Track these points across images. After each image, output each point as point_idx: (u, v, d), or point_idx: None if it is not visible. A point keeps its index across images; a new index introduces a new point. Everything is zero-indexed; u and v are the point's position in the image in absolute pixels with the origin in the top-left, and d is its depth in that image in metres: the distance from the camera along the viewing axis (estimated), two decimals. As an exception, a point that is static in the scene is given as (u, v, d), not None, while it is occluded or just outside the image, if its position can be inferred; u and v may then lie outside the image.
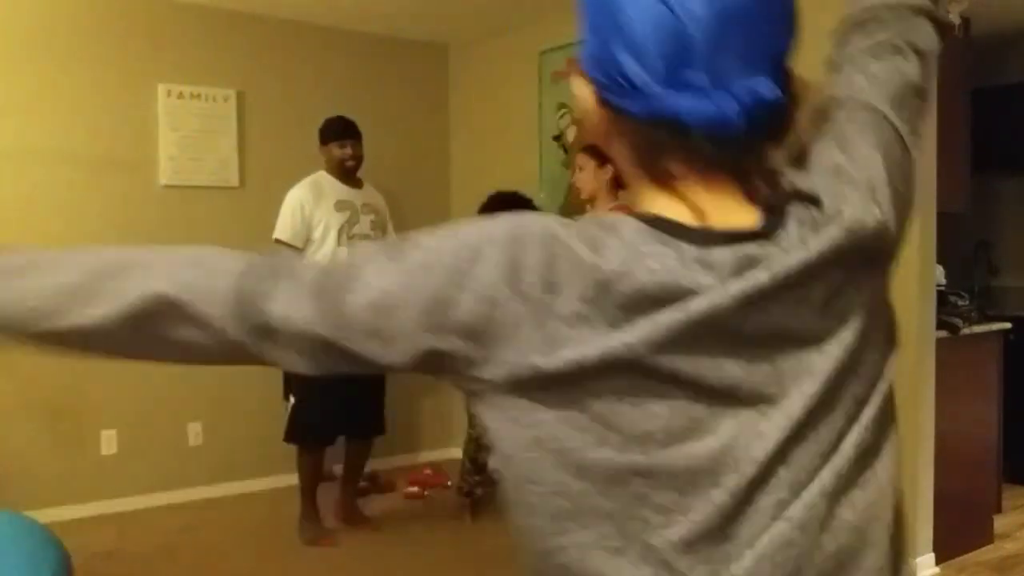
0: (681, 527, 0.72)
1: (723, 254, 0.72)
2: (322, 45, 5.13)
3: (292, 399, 4.03)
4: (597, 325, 0.70)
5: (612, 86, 0.76)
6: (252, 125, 4.88)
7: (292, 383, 4.05)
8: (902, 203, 0.81)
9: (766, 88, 0.73)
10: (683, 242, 0.72)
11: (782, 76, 0.75)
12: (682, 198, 0.75)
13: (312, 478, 4.07)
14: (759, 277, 0.71)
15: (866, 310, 0.80)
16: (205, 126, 4.70)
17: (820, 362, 0.75)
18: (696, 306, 0.70)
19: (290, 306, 0.75)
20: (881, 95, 0.85)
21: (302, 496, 4.07)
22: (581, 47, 0.80)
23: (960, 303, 4.07)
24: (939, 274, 3.82)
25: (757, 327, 0.72)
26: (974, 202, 4.30)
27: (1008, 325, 4.14)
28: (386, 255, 0.76)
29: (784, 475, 0.73)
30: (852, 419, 0.76)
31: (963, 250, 5.16)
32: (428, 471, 5.07)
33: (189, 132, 4.66)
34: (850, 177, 0.78)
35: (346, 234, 4.00)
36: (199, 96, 4.69)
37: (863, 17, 0.89)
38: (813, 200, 0.76)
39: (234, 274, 0.77)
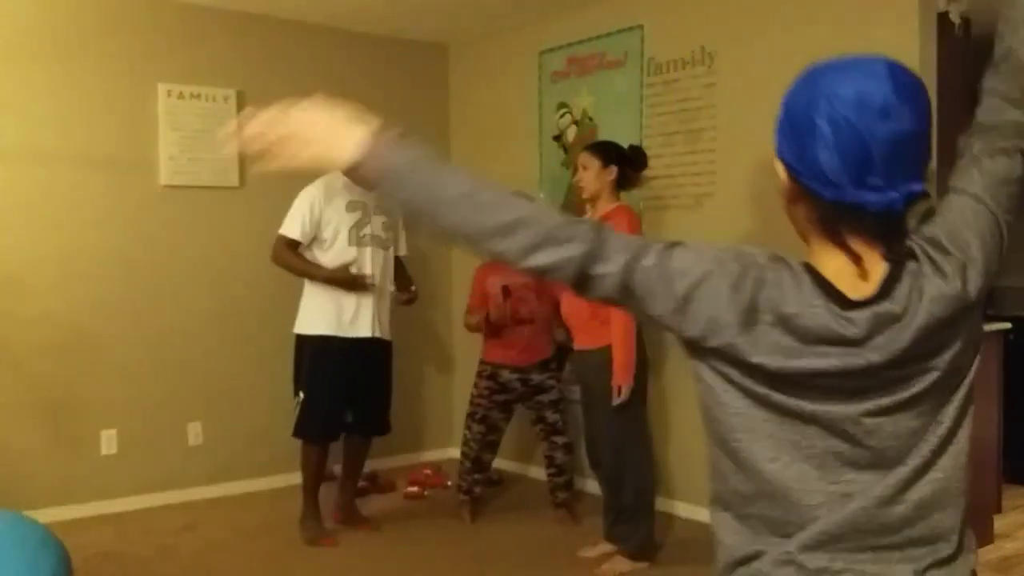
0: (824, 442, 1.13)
1: (861, 314, 1.09)
2: (322, 45, 5.13)
3: (301, 395, 4.04)
4: (782, 342, 1.10)
5: (808, 175, 1.12)
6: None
7: (301, 379, 4.07)
8: (988, 274, 1.16)
9: (918, 186, 1.10)
10: (832, 302, 1.10)
11: (925, 172, 1.14)
12: (847, 251, 1.12)
13: (316, 475, 4.09)
14: (896, 335, 1.10)
15: (959, 338, 1.14)
16: (205, 126, 4.70)
17: (937, 364, 1.13)
18: (845, 351, 1.10)
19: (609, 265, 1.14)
20: (987, 187, 1.22)
21: (304, 494, 4.07)
22: (777, 137, 1.18)
23: (960, 303, 4.07)
24: (939, 274, 3.82)
25: (888, 360, 1.10)
26: (974, 202, 4.30)
27: (1008, 325, 4.14)
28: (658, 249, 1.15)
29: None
30: (943, 405, 1.15)
31: (963, 250, 5.16)
32: (428, 471, 5.07)
33: (189, 132, 4.66)
34: (950, 254, 1.14)
35: (356, 234, 4.01)
36: (199, 96, 4.69)
37: (988, 125, 1.27)
38: (929, 260, 1.13)
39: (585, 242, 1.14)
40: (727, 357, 1.12)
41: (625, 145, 3.85)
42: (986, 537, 3.93)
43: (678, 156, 4.30)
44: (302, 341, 4.07)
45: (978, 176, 1.24)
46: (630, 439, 3.60)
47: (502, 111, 5.32)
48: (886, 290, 1.10)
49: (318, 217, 3.97)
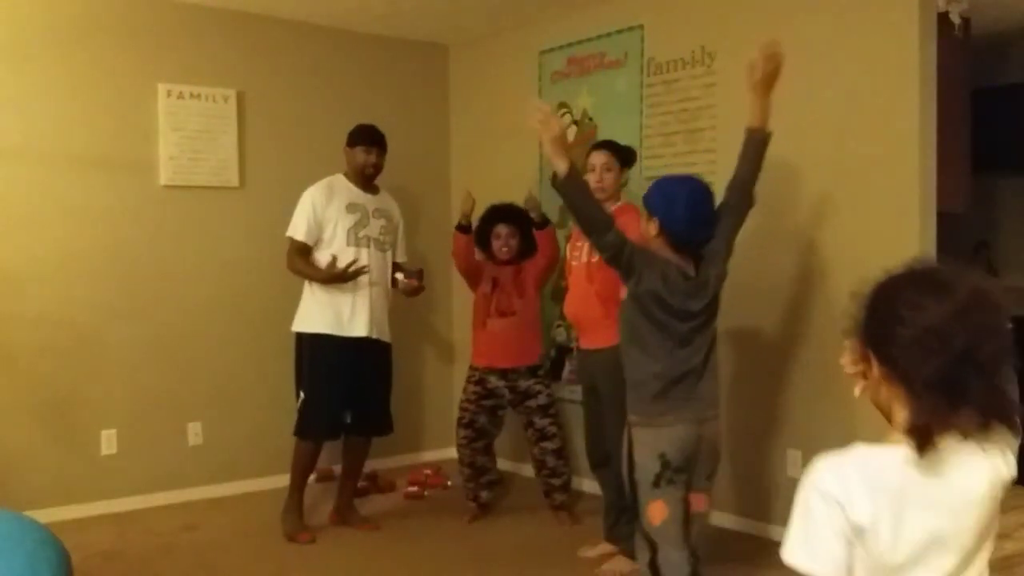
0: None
1: (690, 283, 2.84)
2: (322, 45, 5.13)
3: (302, 394, 4.05)
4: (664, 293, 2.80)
5: (668, 224, 2.83)
6: (252, 125, 4.88)
7: (302, 379, 4.08)
8: (721, 270, 2.94)
9: (710, 232, 2.94)
10: (682, 277, 2.83)
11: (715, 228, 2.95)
12: (685, 256, 2.86)
13: (305, 471, 4.12)
14: (701, 293, 2.88)
15: (714, 298, 2.88)
16: (205, 126, 4.70)
17: (709, 311, 2.91)
18: (684, 299, 2.84)
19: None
20: (726, 228, 2.98)
21: (290, 488, 4.10)
22: (653, 204, 2.88)
23: (960, 303, 4.07)
24: (939, 274, 3.81)
25: (699, 307, 2.87)
26: (974, 202, 4.30)
27: (1008, 325, 4.13)
28: None
29: None
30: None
31: (962, 250, 5.16)
32: (428, 471, 5.06)
33: (189, 132, 4.66)
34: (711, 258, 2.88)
35: (355, 235, 4.05)
36: (199, 96, 4.69)
37: (725, 205, 3.07)
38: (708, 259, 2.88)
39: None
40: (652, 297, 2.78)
41: (623, 144, 3.87)
42: (986, 537, 3.93)
43: (678, 156, 4.30)
44: (300, 340, 4.09)
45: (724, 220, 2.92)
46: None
47: (502, 111, 5.32)
48: (699, 273, 2.81)
49: (320, 217, 4.02)
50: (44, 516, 3.73)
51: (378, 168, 4.17)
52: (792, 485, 4.07)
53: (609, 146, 3.76)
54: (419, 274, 4.18)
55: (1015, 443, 1.30)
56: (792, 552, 1.29)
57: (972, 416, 1.21)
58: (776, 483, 3.97)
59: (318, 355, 4.01)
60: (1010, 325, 1.28)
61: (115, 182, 4.48)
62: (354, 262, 3.97)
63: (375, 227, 4.13)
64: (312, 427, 4.05)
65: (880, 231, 3.57)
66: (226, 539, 4.07)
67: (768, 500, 4.00)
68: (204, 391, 4.73)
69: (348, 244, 4.04)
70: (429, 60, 5.59)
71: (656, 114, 4.40)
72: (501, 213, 4.35)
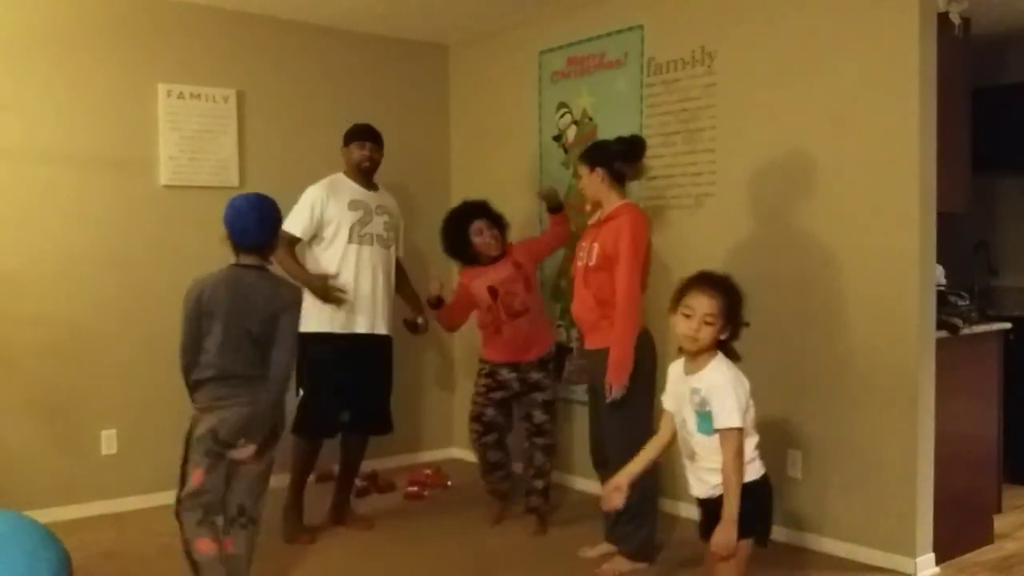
0: None
1: None
2: (322, 45, 5.13)
3: (301, 392, 4.05)
4: None
5: (231, 231, 3.18)
6: (252, 125, 4.88)
7: (302, 377, 4.08)
8: None
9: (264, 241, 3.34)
10: None
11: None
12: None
13: (304, 470, 4.12)
14: None
15: None
16: (205, 126, 4.70)
17: None
18: None
19: None
20: None
21: (290, 489, 4.10)
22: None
23: (960, 303, 4.07)
24: (939, 274, 3.82)
25: None
26: (974, 202, 4.30)
27: (1008, 325, 4.14)
28: None
29: None
30: None
31: (963, 250, 5.16)
32: (428, 471, 5.07)
33: (189, 132, 4.66)
34: None
35: (358, 232, 4.07)
36: (199, 96, 4.69)
37: None
38: None
39: None
40: None
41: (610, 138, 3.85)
42: (986, 537, 3.93)
43: (678, 156, 4.30)
44: (300, 338, 4.08)
45: None
46: (636, 439, 3.59)
47: (502, 111, 5.32)
48: None
49: (319, 215, 4.03)
50: (44, 516, 3.73)
51: (374, 162, 4.18)
52: (792, 485, 4.08)
53: (582, 151, 3.79)
54: (421, 317, 4.37)
55: None
56: (731, 419, 2.49)
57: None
58: (776, 483, 3.96)
59: (317, 353, 4.01)
60: None
61: (115, 182, 4.48)
62: (342, 289, 3.99)
63: (378, 223, 4.15)
64: (309, 425, 4.05)
65: (880, 231, 3.57)
66: (226, 539, 4.07)
67: (768, 500, 3.99)
68: (204, 391, 4.72)
69: (350, 242, 4.05)
70: (429, 60, 5.59)
71: (656, 114, 4.40)
72: (469, 210, 4.29)
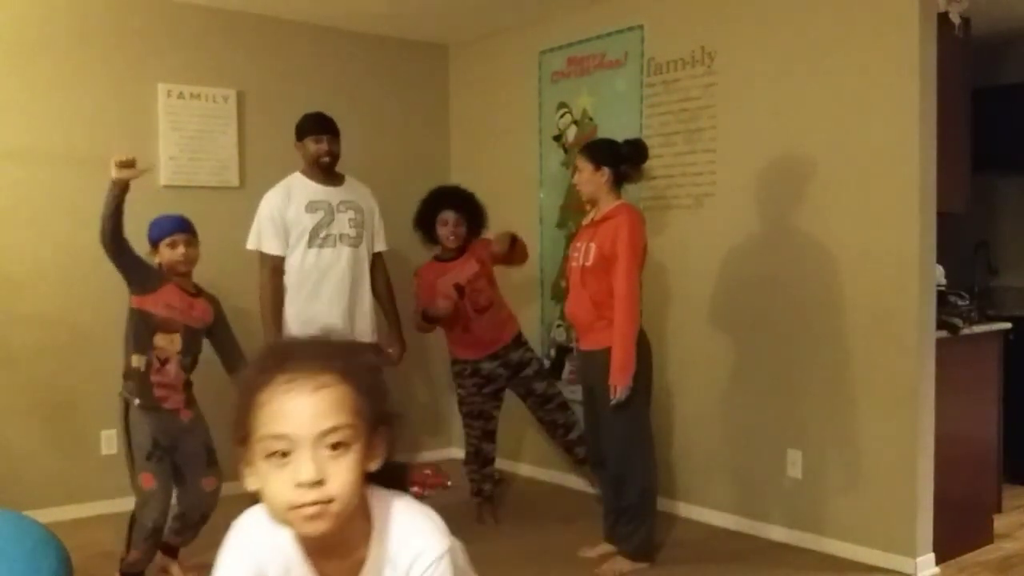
0: None
1: None
2: (322, 45, 5.13)
3: None
4: None
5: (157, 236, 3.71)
6: (252, 125, 4.88)
7: None
8: None
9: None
10: None
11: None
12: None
13: None
14: None
15: None
16: (205, 126, 4.70)
17: None
18: None
19: None
20: None
21: None
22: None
23: (960, 303, 4.07)
24: (939, 274, 3.82)
25: None
26: (974, 202, 4.30)
27: (1008, 325, 4.14)
28: None
29: None
30: None
31: (963, 250, 5.16)
32: (428, 471, 5.05)
33: (189, 132, 4.66)
34: None
35: (317, 236, 3.82)
36: (199, 96, 4.69)
37: None
38: None
39: None
40: None
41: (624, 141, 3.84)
42: (986, 537, 3.93)
43: (678, 156, 4.30)
44: None
45: None
46: (634, 440, 3.60)
47: (502, 111, 5.32)
48: None
49: (280, 223, 3.81)
50: (44, 516, 3.73)
51: (334, 155, 3.87)
52: (792, 485, 4.08)
53: (585, 145, 3.78)
54: (399, 347, 4.14)
55: None
56: None
57: None
58: (776, 483, 3.97)
59: None
60: None
61: (115, 182, 4.48)
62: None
63: (342, 222, 3.86)
64: None
65: (880, 231, 3.57)
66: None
67: (767, 500, 4.00)
68: (204, 391, 4.71)
69: (310, 246, 3.81)
70: (429, 60, 5.59)
71: (656, 114, 4.40)
72: (447, 197, 4.24)
